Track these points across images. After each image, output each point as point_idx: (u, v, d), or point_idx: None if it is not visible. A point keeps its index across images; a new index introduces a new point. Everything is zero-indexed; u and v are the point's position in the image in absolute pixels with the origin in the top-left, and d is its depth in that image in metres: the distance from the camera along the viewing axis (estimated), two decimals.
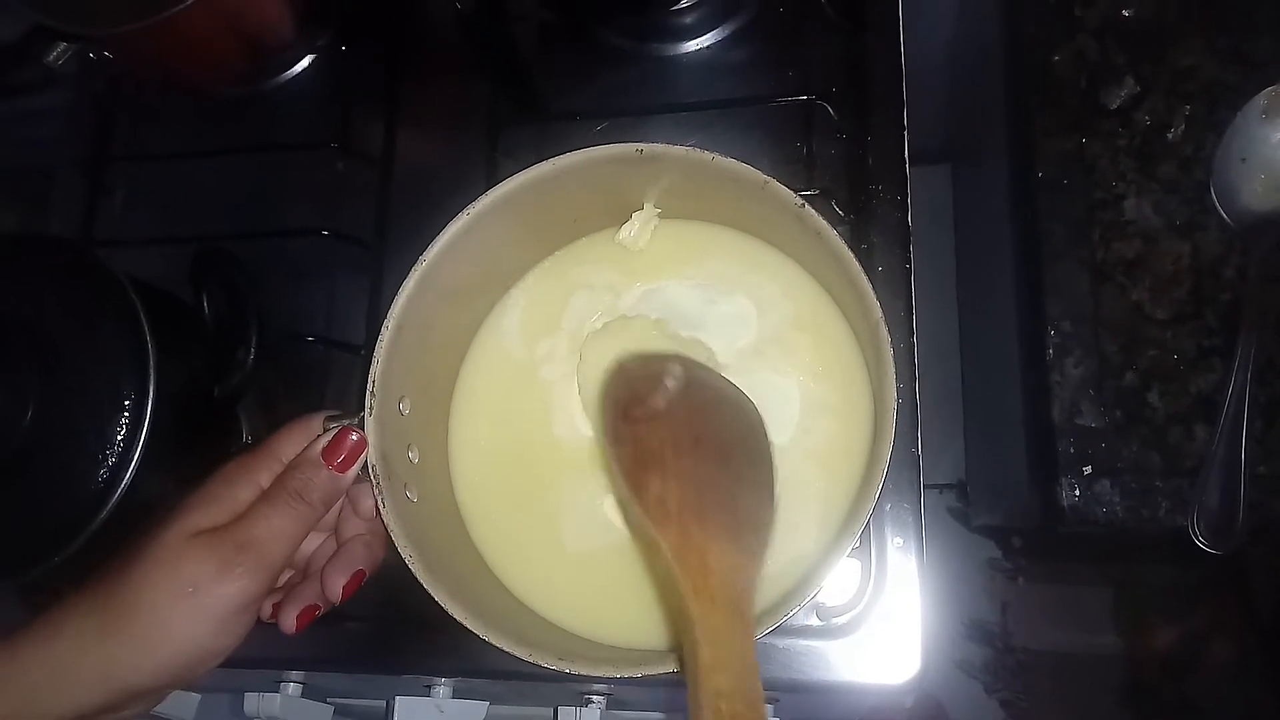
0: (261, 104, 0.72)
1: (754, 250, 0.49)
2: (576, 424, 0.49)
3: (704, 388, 0.43)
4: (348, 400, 0.62)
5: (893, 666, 0.52)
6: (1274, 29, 0.59)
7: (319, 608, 0.42)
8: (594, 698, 0.60)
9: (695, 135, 0.62)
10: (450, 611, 0.40)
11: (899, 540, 0.54)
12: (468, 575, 0.46)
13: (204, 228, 0.66)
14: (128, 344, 0.50)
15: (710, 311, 0.49)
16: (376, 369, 0.43)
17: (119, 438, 0.49)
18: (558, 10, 0.69)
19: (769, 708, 0.58)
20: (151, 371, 0.50)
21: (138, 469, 0.49)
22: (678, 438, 0.39)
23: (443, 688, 0.62)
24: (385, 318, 0.43)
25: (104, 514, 0.49)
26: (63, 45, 0.61)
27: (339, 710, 0.71)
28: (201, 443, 0.59)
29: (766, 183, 0.43)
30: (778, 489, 0.40)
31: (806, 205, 0.42)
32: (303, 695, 0.65)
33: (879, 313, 0.41)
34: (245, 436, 0.64)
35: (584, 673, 0.39)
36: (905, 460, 0.54)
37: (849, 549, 0.39)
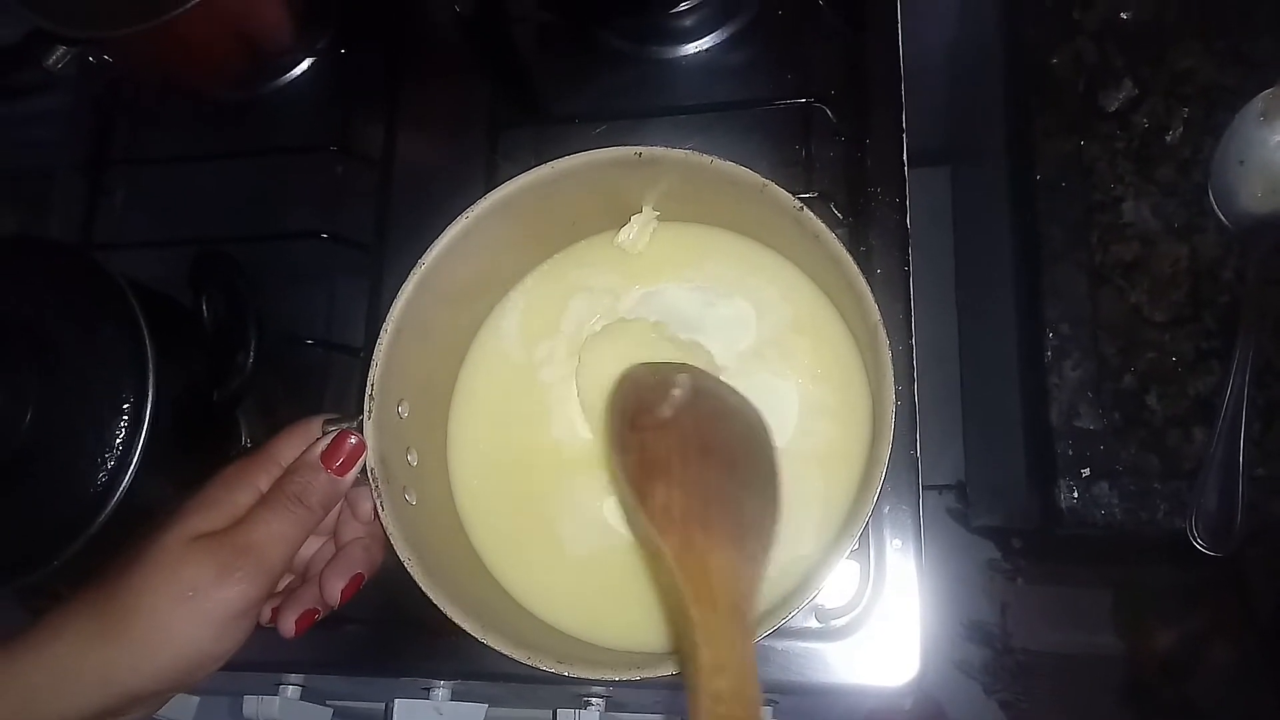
0: (261, 107, 0.72)
1: (753, 253, 0.49)
2: (576, 426, 0.49)
3: (711, 397, 0.43)
4: (347, 403, 0.62)
5: (892, 668, 0.52)
6: (1272, 31, 0.59)
7: (318, 611, 0.42)
8: (593, 700, 0.60)
9: (694, 138, 0.62)
10: (449, 614, 0.40)
11: (898, 542, 0.54)
12: (466, 578, 0.46)
13: (204, 231, 0.66)
14: (127, 347, 0.50)
15: (709, 314, 0.49)
16: (375, 372, 0.43)
17: (118, 441, 0.49)
18: (557, 12, 0.69)
19: (768, 710, 0.58)
20: (151, 375, 0.50)
21: (137, 472, 0.49)
22: (684, 447, 0.39)
23: (442, 690, 0.62)
24: (384, 320, 0.43)
25: (103, 517, 0.49)
26: (62, 49, 0.61)
27: (338, 713, 0.71)
28: (201, 446, 0.59)
29: (765, 185, 0.43)
30: (782, 495, 0.40)
31: (805, 208, 0.42)
32: (302, 698, 0.66)
33: (877, 315, 0.41)
34: (244, 440, 0.64)
35: (583, 675, 0.39)
36: (904, 462, 0.54)
37: (848, 551, 0.39)
